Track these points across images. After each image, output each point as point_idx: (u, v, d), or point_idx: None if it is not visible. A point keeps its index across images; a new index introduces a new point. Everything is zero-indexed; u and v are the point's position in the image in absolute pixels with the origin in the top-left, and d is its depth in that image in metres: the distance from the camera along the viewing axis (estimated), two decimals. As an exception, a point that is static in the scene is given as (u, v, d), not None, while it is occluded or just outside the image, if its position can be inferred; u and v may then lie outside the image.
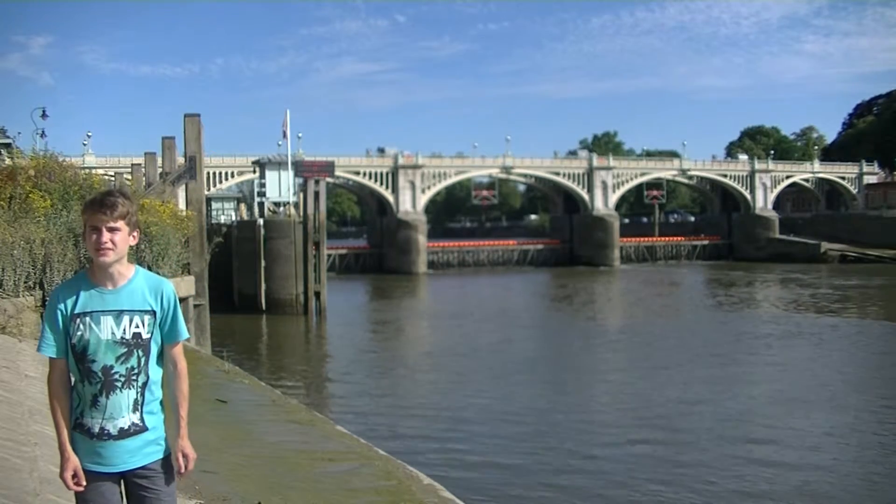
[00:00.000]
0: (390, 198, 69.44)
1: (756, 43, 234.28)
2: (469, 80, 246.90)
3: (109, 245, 2.90)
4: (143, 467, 2.96)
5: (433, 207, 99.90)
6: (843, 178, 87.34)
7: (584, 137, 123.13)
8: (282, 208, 44.97)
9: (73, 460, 2.89)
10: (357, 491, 6.99)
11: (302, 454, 8.13)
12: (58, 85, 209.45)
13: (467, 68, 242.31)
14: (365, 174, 69.56)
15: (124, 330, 2.93)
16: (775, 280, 56.71)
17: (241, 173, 63.00)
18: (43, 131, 24.57)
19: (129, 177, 22.84)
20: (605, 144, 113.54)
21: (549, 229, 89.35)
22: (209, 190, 53.62)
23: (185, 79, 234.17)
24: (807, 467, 13.53)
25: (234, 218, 53.40)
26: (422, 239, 68.45)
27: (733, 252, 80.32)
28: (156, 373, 3.02)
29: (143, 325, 2.96)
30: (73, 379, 2.98)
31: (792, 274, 59.32)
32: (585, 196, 76.16)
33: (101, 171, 23.73)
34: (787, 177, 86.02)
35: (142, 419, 2.96)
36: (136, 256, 11.59)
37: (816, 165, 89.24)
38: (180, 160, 21.39)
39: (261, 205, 45.90)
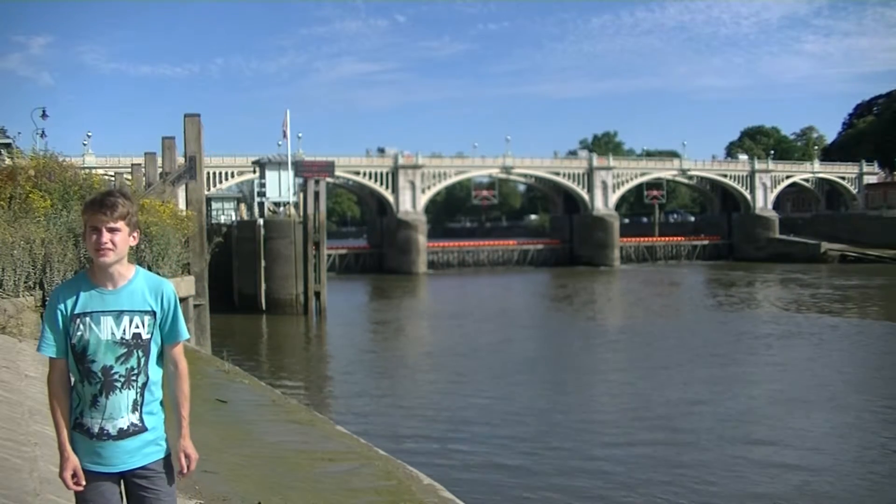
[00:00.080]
0: (390, 198, 69.44)
1: (756, 43, 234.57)
2: (469, 80, 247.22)
3: (109, 245, 2.90)
4: (142, 467, 2.96)
5: (433, 207, 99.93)
6: (843, 178, 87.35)
7: (584, 137, 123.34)
8: (282, 208, 44.96)
9: (73, 460, 2.89)
10: (357, 491, 6.99)
11: (302, 454, 8.13)
12: (58, 85, 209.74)
13: (467, 68, 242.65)
14: (365, 174, 69.56)
15: (124, 330, 2.93)
16: (775, 280, 56.71)
17: (241, 173, 62.99)
18: (43, 131, 24.61)
19: (129, 177, 22.84)
20: (605, 144, 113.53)
21: (549, 229, 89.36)
22: (209, 190, 53.63)
23: (185, 79, 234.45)
24: (807, 467, 13.53)
25: (234, 218, 53.40)
26: (422, 239, 68.45)
27: (733, 252, 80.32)
28: (156, 373, 3.02)
29: (143, 326, 2.96)
30: (72, 379, 2.98)
31: (792, 274, 59.33)
32: (585, 196, 76.16)
33: (101, 171, 23.72)
34: (787, 177, 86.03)
35: (141, 419, 2.96)
36: (136, 256, 11.59)
37: (816, 165, 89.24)
38: (180, 160, 21.39)
39: (261, 205, 45.89)
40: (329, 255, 55.32)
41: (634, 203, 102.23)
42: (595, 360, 26.09)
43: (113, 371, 2.91)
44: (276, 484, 6.88)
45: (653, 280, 59.44)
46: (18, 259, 9.86)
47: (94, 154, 55.61)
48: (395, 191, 69.56)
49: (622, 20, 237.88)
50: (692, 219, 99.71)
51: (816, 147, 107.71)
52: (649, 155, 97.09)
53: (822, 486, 12.53)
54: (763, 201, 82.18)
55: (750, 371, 23.21)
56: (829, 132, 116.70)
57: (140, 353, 2.95)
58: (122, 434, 2.93)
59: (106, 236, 2.89)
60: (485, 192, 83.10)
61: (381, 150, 76.70)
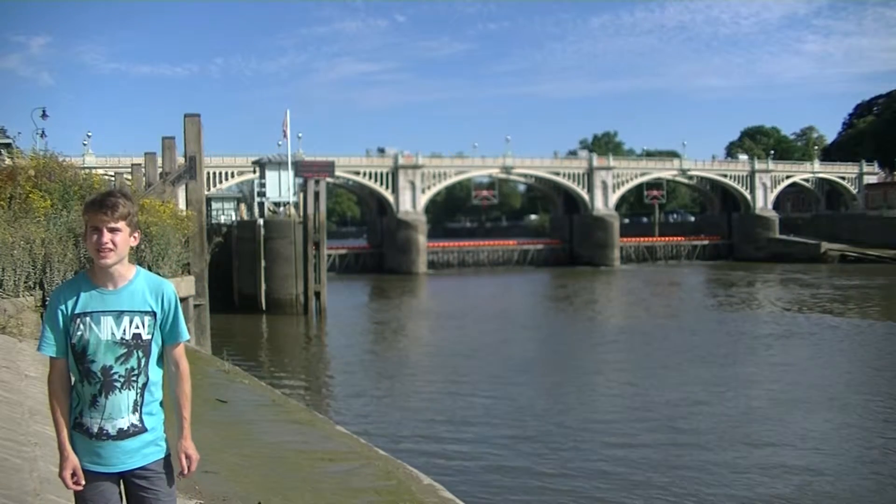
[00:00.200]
0: (390, 198, 69.44)
1: (756, 43, 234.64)
2: (469, 80, 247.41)
3: (110, 246, 2.90)
4: (142, 468, 2.95)
5: (433, 207, 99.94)
6: (843, 178, 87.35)
7: (584, 137, 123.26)
8: (282, 208, 44.95)
9: (73, 459, 2.89)
10: (357, 491, 6.99)
11: (302, 454, 8.13)
12: (58, 85, 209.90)
13: (467, 68, 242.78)
14: (365, 174, 69.55)
15: (124, 330, 2.93)
16: (775, 280, 56.71)
17: (241, 173, 62.99)
18: (43, 131, 24.61)
19: (129, 177, 22.83)
20: (605, 144, 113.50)
21: (549, 229, 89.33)
22: (209, 190, 53.61)
23: (185, 79, 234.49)
24: (808, 468, 13.53)
25: (234, 218, 53.35)
26: (422, 239, 68.45)
27: (733, 252, 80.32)
28: (156, 374, 3.02)
29: (144, 326, 2.96)
30: (72, 379, 2.98)
31: (792, 274, 59.34)
32: (585, 196, 76.15)
33: (101, 171, 23.69)
34: (787, 177, 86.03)
35: (141, 420, 2.96)
36: (137, 257, 11.59)
37: (816, 165, 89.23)
38: (180, 160, 21.39)
39: (261, 205, 45.88)
40: (329, 255, 55.31)
41: (634, 203, 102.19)
42: (595, 360, 26.08)
43: (113, 371, 2.91)
44: (276, 484, 6.88)
45: (653, 280, 59.43)
46: (18, 259, 9.86)
47: (94, 154, 55.58)
48: (395, 191, 69.55)
49: (622, 20, 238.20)
50: (692, 219, 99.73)
51: (816, 147, 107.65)
52: (649, 155, 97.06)
53: (822, 487, 12.52)
54: (763, 201, 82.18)
55: (750, 371, 23.20)
56: (829, 132, 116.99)
57: (140, 354, 2.95)
58: (122, 434, 2.92)
59: (107, 236, 2.90)
60: (485, 192, 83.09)
61: (381, 150, 76.68)
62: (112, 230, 2.90)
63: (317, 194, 41.38)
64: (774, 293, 48.08)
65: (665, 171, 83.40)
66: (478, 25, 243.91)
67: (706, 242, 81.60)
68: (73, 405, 2.96)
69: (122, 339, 2.92)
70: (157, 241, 12.93)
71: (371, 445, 9.06)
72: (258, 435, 8.90)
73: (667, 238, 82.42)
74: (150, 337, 2.97)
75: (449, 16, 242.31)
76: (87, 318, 2.92)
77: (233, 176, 63.80)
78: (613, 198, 77.84)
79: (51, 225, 11.03)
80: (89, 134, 60.67)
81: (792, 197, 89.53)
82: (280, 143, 50.03)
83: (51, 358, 2.96)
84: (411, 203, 69.82)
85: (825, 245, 73.08)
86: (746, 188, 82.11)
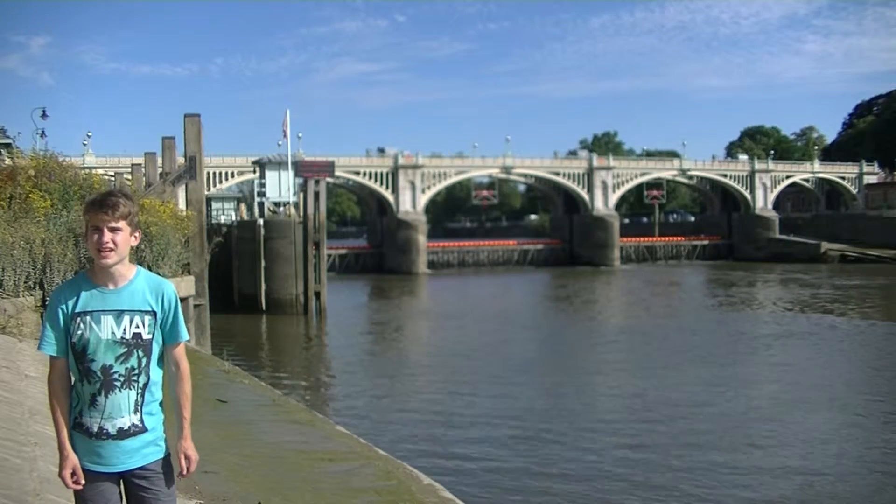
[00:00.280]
0: (390, 198, 69.44)
1: (756, 43, 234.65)
2: (469, 80, 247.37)
3: (111, 245, 2.90)
4: (142, 468, 2.95)
5: (433, 207, 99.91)
6: (843, 178, 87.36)
7: (584, 137, 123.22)
8: (282, 208, 44.95)
9: (72, 459, 2.89)
10: (357, 491, 6.99)
11: (302, 454, 8.13)
12: (58, 85, 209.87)
13: (467, 68, 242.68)
14: (365, 174, 69.55)
15: (124, 330, 2.93)
16: (775, 280, 56.72)
17: (241, 173, 62.99)
18: (43, 131, 24.60)
19: (129, 177, 22.83)
20: (605, 144, 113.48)
21: (549, 229, 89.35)
22: (209, 190, 53.60)
23: (185, 79, 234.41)
24: (808, 468, 13.53)
25: (234, 218, 53.34)
26: (422, 239, 68.45)
27: (733, 252, 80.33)
28: (157, 374, 3.02)
29: (144, 326, 2.96)
30: (72, 379, 2.98)
31: (792, 274, 59.34)
32: (585, 196, 76.15)
33: (101, 171, 23.70)
34: (787, 177, 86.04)
35: (141, 420, 2.96)
36: (137, 256, 11.59)
37: (816, 165, 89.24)
38: (180, 160, 21.40)
39: (261, 205, 45.88)
40: (329, 255, 55.30)
41: (634, 203, 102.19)
42: (595, 360, 26.08)
43: (112, 370, 2.91)
44: (276, 484, 6.88)
45: (653, 280, 59.43)
46: (18, 259, 9.86)
47: (94, 154, 55.59)
48: (395, 191, 69.55)
49: (622, 20, 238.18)
50: (692, 219, 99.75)
51: (816, 147, 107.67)
52: (649, 155, 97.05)
53: (823, 487, 12.52)
54: (763, 201, 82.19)
55: (750, 371, 23.21)
56: (829, 132, 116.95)
57: (140, 353, 2.95)
58: (123, 434, 2.92)
59: (107, 236, 2.90)
60: (485, 192, 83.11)
61: (381, 150, 76.68)
62: (113, 230, 2.90)
63: (317, 194, 41.39)
64: (774, 293, 48.08)
65: (665, 171, 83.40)
66: (478, 25, 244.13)
67: (706, 242, 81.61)
68: (72, 405, 2.96)
69: (122, 338, 2.92)
70: (157, 241, 12.93)
71: (371, 445, 9.06)
72: (258, 435, 8.90)
73: (667, 238, 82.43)
74: (150, 336, 2.97)
75: (449, 16, 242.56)
76: (88, 318, 2.92)
77: (233, 176, 63.80)
78: (613, 198, 77.85)
79: (51, 225, 11.03)
80: (89, 134, 60.80)
81: (792, 197, 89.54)
82: (280, 143, 50.11)
83: (51, 357, 2.96)
84: (411, 203, 69.82)
85: (825, 245, 73.09)
86: (746, 188, 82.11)
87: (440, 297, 51.27)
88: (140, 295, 2.98)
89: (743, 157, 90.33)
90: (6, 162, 14.71)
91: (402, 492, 6.91)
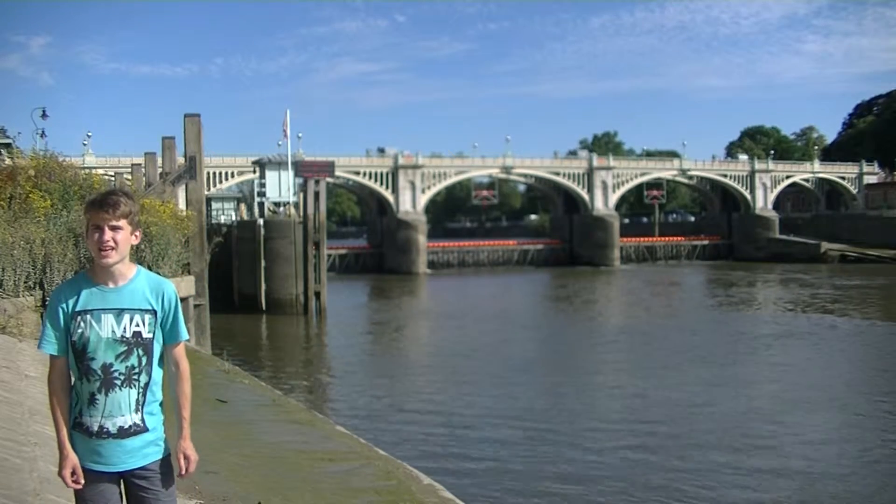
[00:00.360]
0: (390, 198, 69.44)
1: (756, 43, 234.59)
2: (469, 80, 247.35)
3: (111, 244, 2.90)
4: (142, 468, 2.95)
5: (433, 207, 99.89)
6: (843, 178, 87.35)
7: (584, 137, 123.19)
8: (282, 208, 44.96)
9: (72, 458, 2.89)
10: (357, 491, 6.99)
11: (302, 454, 8.13)
12: (58, 85, 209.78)
13: (467, 68, 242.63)
14: (365, 174, 69.55)
15: (125, 328, 2.93)
16: (776, 280, 56.72)
17: (241, 173, 62.99)
18: (43, 131, 24.62)
19: (129, 177, 22.84)
20: (605, 144, 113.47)
21: (549, 229, 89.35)
22: (209, 190, 53.59)
23: (185, 79, 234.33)
24: (808, 468, 13.52)
25: (234, 218, 53.36)
26: (422, 239, 68.45)
27: (733, 252, 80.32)
28: (157, 374, 3.02)
29: (144, 324, 2.96)
30: (72, 378, 2.98)
31: (792, 274, 59.34)
32: (585, 196, 76.15)
33: (101, 171, 23.71)
34: (787, 177, 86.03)
35: (143, 420, 2.96)
36: (137, 256, 11.59)
37: (816, 165, 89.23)
38: (180, 160, 21.40)
39: (261, 205, 45.88)
40: (329, 255, 55.31)
41: (634, 203, 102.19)
42: (595, 360, 26.08)
43: (113, 369, 2.91)
44: (276, 484, 6.88)
45: (653, 280, 59.44)
46: (18, 259, 9.86)
47: (94, 154, 55.58)
48: (395, 191, 69.55)
49: (622, 20, 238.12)
50: (692, 219, 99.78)
51: (816, 147, 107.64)
52: (649, 155, 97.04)
53: (824, 487, 12.52)
54: (763, 201, 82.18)
55: (750, 371, 23.21)
56: (829, 132, 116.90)
57: (141, 352, 2.95)
58: (123, 433, 2.92)
59: (108, 234, 2.90)
60: (485, 192, 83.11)
61: (381, 150, 76.69)
62: (113, 228, 2.91)
63: (317, 194, 41.39)
64: (774, 293, 48.09)
65: (665, 171, 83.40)
66: (478, 25, 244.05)
67: (706, 242, 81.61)
68: (72, 405, 2.96)
69: (122, 336, 2.92)
70: (157, 241, 12.93)
71: (371, 445, 9.06)
72: (258, 435, 8.90)
73: (667, 238, 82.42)
74: (150, 335, 2.97)
75: (449, 16, 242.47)
76: (88, 316, 2.92)
77: (233, 176, 63.80)
78: (613, 198, 77.84)
79: (51, 225, 11.03)
80: (89, 134, 60.81)
81: (792, 197, 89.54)
82: (280, 143, 50.13)
83: (51, 356, 2.96)
84: (411, 203, 69.82)
85: (825, 245, 73.09)
86: (746, 188, 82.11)
87: (440, 297, 51.28)
88: (140, 293, 2.98)
89: (743, 157, 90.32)
90: (6, 162, 14.72)
91: (402, 492, 6.91)
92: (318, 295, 39.57)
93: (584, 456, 14.37)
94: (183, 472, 3.04)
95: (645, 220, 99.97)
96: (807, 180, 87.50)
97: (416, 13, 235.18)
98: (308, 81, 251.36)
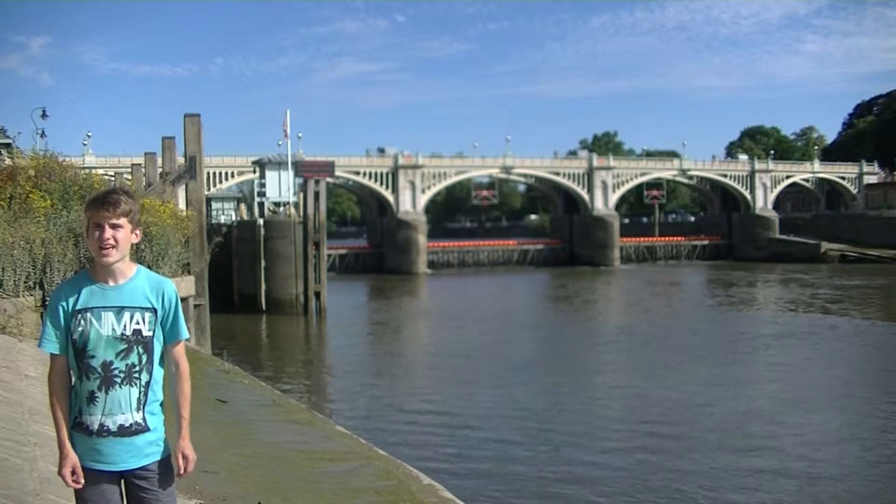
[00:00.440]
0: (390, 198, 69.44)
1: (756, 43, 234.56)
2: (469, 80, 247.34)
3: (112, 242, 2.91)
4: (142, 468, 2.95)
5: (433, 207, 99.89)
6: (843, 178, 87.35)
7: (584, 137, 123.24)
8: (282, 208, 44.96)
9: (72, 457, 2.89)
10: (357, 491, 6.99)
11: (302, 454, 8.13)
12: (58, 85, 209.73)
13: (467, 68, 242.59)
14: (365, 174, 69.55)
15: (125, 326, 2.93)
16: (776, 280, 56.73)
17: (241, 173, 63.00)
18: (43, 131, 24.61)
19: (129, 177, 22.84)
20: (605, 144, 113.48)
21: (549, 229, 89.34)
22: (209, 190, 53.59)
23: (185, 79, 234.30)
24: (808, 469, 13.51)
25: (234, 218, 53.36)
26: (422, 239, 68.45)
27: (733, 252, 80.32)
28: (158, 373, 3.02)
29: (144, 323, 2.96)
30: (73, 378, 2.97)
31: (792, 274, 59.34)
32: (585, 196, 76.15)
33: (101, 171, 23.71)
34: (787, 177, 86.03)
35: (144, 419, 2.96)
36: (137, 256, 11.58)
37: (816, 165, 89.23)
38: (180, 160, 21.40)
39: (261, 205, 45.89)
40: (329, 255, 55.30)
41: (634, 203, 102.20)
42: (595, 360, 26.09)
43: (113, 367, 2.91)
44: (276, 484, 6.87)
45: (653, 280, 59.44)
46: (18, 259, 9.86)
47: (94, 154, 55.57)
48: (395, 191, 69.55)
49: (622, 20, 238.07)
50: (692, 219, 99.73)
51: (816, 147, 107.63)
52: (649, 155, 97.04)
53: (824, 488, 12.52)
54: (763, 201, 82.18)
55: (750, 371, 23.21)
56: (829, 132, 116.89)
57: (141, 350, 2.95)
58: (124, 431, 2.92)
59: (108, 232, 2.90)
60: (485, 192, 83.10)
61: (381, 150, 76.70)
62: (114, 226, 2.91)
63: (317, 194, 41.40)
64: (774, 293, 48.09)
65: (665, 171, 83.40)
66: (478, 25, 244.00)
67: (706, 242, 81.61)
68: (72, 405, 2.96)
69: (122, 334, 2.92)
70: (157, 241, 12.92)
71: (371, 445, 9.05)
72: (258, 435, 8.90)
73: (667, 238, 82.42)
74: (150, 333, 2.97)
75: (449, 16, 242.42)
76: (88, 314, 2.92)
77: (233, 176, 63.80)
78: (613, 198, 77.84)
79: (51, 225, 11.03)
80: (89, 134, 60.81)
81: (792, 197, 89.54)
82: (280, 143, 50.14)
83: (51, 355, 2.96)
84: (411, 203, 69.82)
85: (825, 245, 73.09)
86: (746, 188, 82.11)
87: (440, 297, 51.28)
88: (141, 292, 2.98)
89: (743, 157, 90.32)
90: (6, 162, 14.71)
91: (402, 492, 6.91)
92: (318, 295, 39.58)
93: (584, 456, 14.36)
94: (181, 471, 3.04)
95: (645, 220, 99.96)
96: (807, 180, 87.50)
97: (416, 13, 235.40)
98: (308, 81, 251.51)
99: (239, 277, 41.27)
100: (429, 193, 72.51)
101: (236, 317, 36.27)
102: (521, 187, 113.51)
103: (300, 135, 63.05)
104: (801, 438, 15.43)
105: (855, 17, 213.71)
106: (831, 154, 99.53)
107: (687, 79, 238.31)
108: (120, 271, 2.98)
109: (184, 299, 15.00)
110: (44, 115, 27.47)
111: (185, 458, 3.04)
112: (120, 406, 2.92)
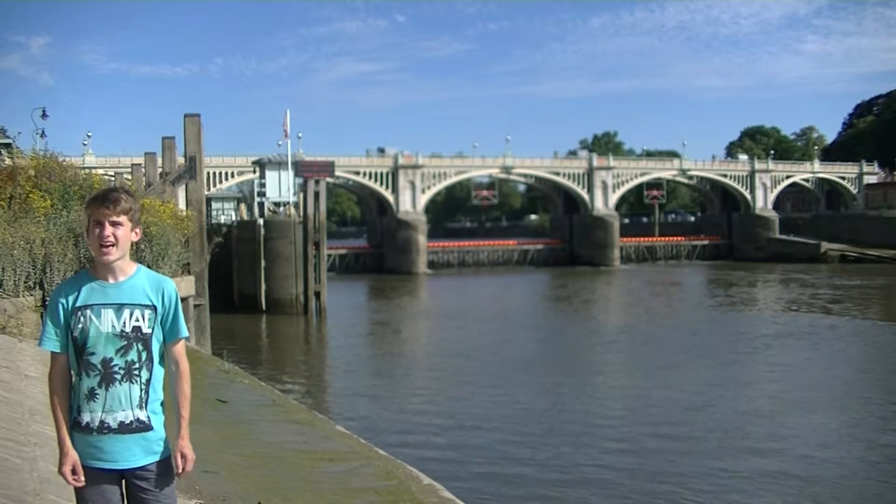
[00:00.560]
0: (390, 198, 69.43)
1: (756, 43, 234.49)
2: (469, 80, 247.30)
3: (112, 239, 2.91)
4: (142, 468, 2.95)
5: (433, 207, 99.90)
6: (843, 178, 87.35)
7: (584, 137, 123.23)
8: (282, 208, 44.96)
9: (72, 455, 2.89)
10: (357, 491, 6.99)
11: (302, 454, 8.13)
12: (58, 85, 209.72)
13: (467, 68, 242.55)
14: (365, 174, 69.56)
15: (124, 323, 2.94)
16: (775, 280, 56.72)
17: (241, 173, 63.00)
18: (43, 131, 24.62)
19: (129, 177, 22.83)
20: (605, 144, 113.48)
21: (549, 229, 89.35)
22: (209, 190, 53.59)
23: (185, 79, 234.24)
24: (808, 469, 13.50)
25: (234, 218, 53.36)
26: (422, 239, 68.45)
27: (733, 252, 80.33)
28: (159, 371, 3.02)
29: (144, 320, 2.96)
30: (73, 377, 2.97)
31: (792, 274, 59.33)
32: (585, 196, 76.15)
33: (101, 171, 23.71)
34: (787, 177, 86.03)
35: (147, 418, 2.96)
36: (137, 256, 11.58)
37: (816, 165, 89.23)
38: (180, 160, 21.40)
39: (261, 205, 45.89)
40: (329, 255, 55.31)
41: (634, 203, 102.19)
42: (595, 360, 26.08)
43: (113, 363, 2.91)
44: (276, 484, 6.87)
45: (653, 280, 59.44)
46: (18, 259, 9.86)
47: (94, 154, 55.58)
48: (395, 191, 69.55)
49: (622, 20, 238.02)
50: (692, 219, 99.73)
51: (816, 147, 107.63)
52: (649, 155, 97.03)
53: (824, 488, 12.51)
54: (763, 201, 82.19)
55: (750, 371, 23.20)
56: (829, 132, 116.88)
57: (140, 347, 2.95)
58: (124, 428, 2.92)
59: (108, 230, 2.91)
60: (485, 192, 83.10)
61: (381, 150, 76.70)
62: (114, 224, 2.92)
63: (317, 194, 41.40)
64: (774, 293, 48.09)
65: (665, 171, 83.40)
66: (478, 25, 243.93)
67: (706, 242, 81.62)
68: (71, 404, 2.96)
69: (122, 331, 2.93)
70: (157, 241, 12.92)
71: (371, 445, 9.05)
72: (258, 435, 8.90)
73: (667, 238, 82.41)
74: (150, 331, 2.98)
75: (449, 16, 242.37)
76: (88, 311, 2.93)
77: (233, 176, 63.80)
78: (613, 198, 77.84)
79: (51, 225, 11.03)
80: (89, 134, 60.80)
81: (792, 197, 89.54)
82: (280, 143, 50.16)
83: (52, 354, 2.96)
84: (411, 203, 69.82)
85: (825, 245, 73.09)
86: (746, 188, 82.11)
87: (440, 297, 51.28)
88: (140, 289, 2.99)
89: (743, 157, 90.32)
90: (6, 162, 14.71)
91: (402, 492, 6.91)
92: (318, 295, 39.58)
93: (584, 456, 14.36)
94: (179, 470, 3.04)
95: (645, 220, 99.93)
96: (807, 180, 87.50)
97: (416, 13, 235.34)
98: (308, 81, 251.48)
99: (239, 277, 41.27)
100: (429, 193, 72.51)
101: (236, 317, 36.27)
102: (521, 187, 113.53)
103: (300, 135, 63.21)
104: (801, 439, 15.42)
105: (855, 17, 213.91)
106: (831, 154, 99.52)
107: (687, 79, 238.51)
108: (120, 269, 2.99)
109: (184, 299, 14.99)
110: (44, 115, 27.51)
111: (184, 457, 3.04)
112: (120, 403, 2.92)
